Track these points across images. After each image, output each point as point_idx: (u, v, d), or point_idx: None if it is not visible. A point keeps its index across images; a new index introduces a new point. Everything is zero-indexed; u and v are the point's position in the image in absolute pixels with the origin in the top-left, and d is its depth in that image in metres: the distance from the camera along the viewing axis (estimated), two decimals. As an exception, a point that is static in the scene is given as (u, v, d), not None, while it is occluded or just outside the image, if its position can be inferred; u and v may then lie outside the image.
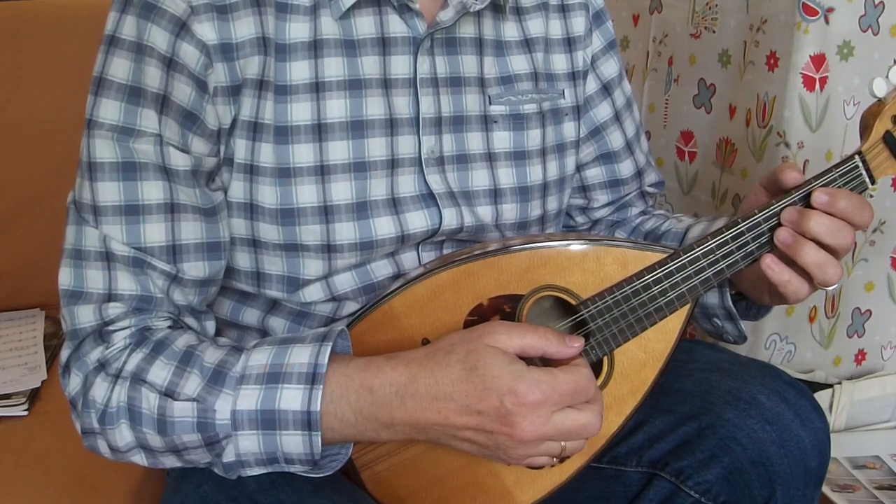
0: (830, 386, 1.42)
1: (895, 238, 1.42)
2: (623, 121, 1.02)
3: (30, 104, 1.41)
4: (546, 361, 0.74)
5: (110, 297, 0.76)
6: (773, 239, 0.83)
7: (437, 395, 0.70)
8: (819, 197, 0.81)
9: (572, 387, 0.70)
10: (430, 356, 0.72)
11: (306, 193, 0.80)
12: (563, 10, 0.95)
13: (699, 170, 1.55)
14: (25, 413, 1.16)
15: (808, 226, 0.80)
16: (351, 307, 0.85)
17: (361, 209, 0.81)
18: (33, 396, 1.19)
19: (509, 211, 0.89)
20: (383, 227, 0.82)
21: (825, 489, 1.29)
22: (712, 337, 0.98)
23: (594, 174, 1.02)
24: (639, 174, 1.05)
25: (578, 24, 0.95)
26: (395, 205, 0.83)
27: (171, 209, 0.77)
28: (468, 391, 0.69)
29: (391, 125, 0.83)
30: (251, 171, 0.79)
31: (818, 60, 1.27)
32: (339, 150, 0.80)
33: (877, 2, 1.28)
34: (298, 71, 0.79)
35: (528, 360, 0.72)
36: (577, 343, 0.73)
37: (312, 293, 0.84)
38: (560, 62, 0.94)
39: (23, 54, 1.41)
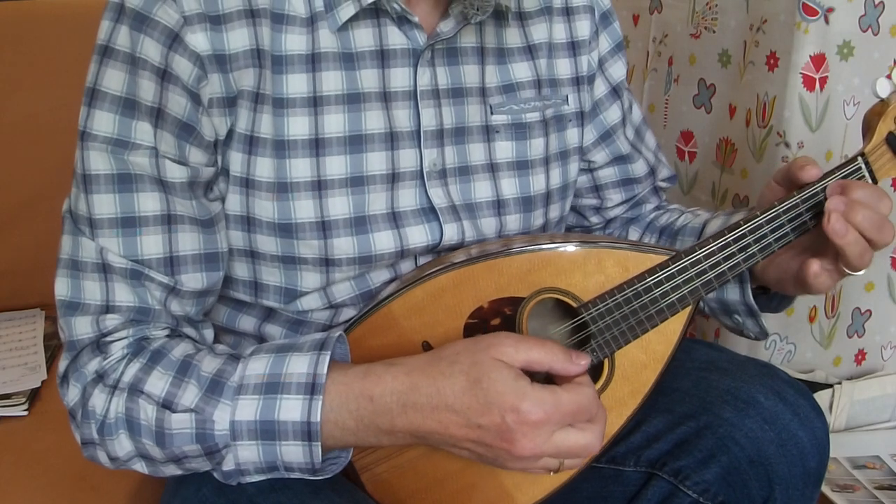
0: (830, 386, 1.42)
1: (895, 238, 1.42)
2: (625, 123, 1.01)
3: (30, 104, 1.40)
4: (550, 374, 0.74)
5: (107, 308, 0.76)
6: (775, 241, 0.83)
7: (438, 406, 0.70)
8: (833, 188, 0.81)
9: (575, 407, 0.70)
10: (432, 364, 0.71)
11: (304, 209, 0.79)
12: (568, 13, 0.94)
13: (699, 170, 1.55)
14: (25, 413, 1.15)
15: (855, 217, 0.79)
16: (349, 313, 0.85)
17: (360, 224, 0.81)
18: (33, 396, 1.18)
19: (513, 222, 0.89)
20: (382, 241, 0.82)
21: (825, 489, 1.29)
22: (734, 333, 0.98)
23: (607, 174, 1.02)
24: (652, 172, 1.05)
25: (583, 27, 0.94)
26: (394, 219, 0.82)
27: (168, 221, 0.76)
28: (470, 404, 0.69)
29: (391, 139, 0.82)
30: (247, 184, 0.79)
31: (818, 60, 1.27)
32: (336, 165, 0.79)
33: (877, 2, 1.28)
34: (296, 84, 0.78)
35: (532, 373, 0.72)
36: (584, 361, 0.72)
37: (310, 302, 0.83)
38: (564, 67, 0.93)
39: (23, 54, 1.40)
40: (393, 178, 0.82)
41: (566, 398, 0.69)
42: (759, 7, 1.35)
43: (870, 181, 0.84)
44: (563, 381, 0.72)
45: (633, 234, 1.05)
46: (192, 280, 0.78)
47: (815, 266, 0.81)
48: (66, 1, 1.47)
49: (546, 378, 0.73)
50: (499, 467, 0.73)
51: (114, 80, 0.74)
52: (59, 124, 1.33)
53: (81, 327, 0.76)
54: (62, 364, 0.78)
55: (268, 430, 0.72)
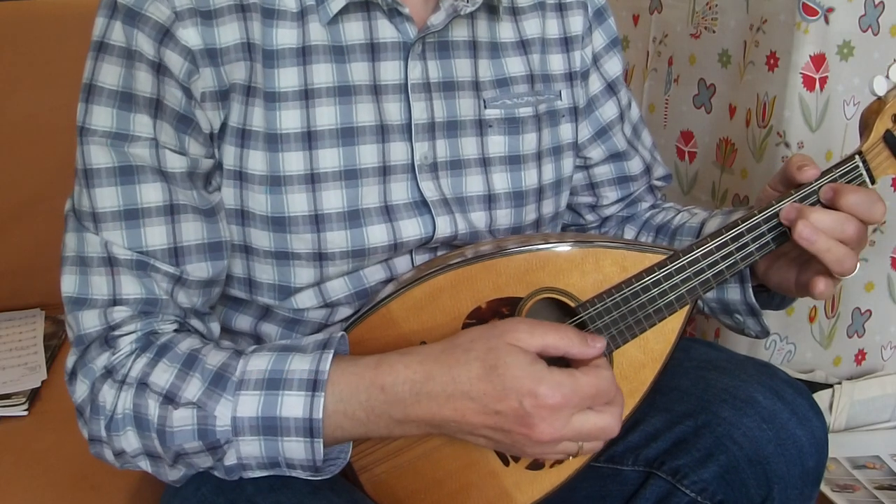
0: (830, 386, 1.42)
1: (895, 238, 1.42)
2: (623, 120, 1.01)
3: (30, 104, 1.41)
4: (564, 359, 0.73)
5: (115, 301, 0.76)
6: (773, 240, 0.83)
7: (454, 393, 0.69)
8: (825, 193, 0.81)
9: (593, 390, 0.69)
10: (447, 352, 0.71)
11: (297, 202, 0.79)
12: (561, 8, 0.94)
13: (699, 170, 1.55)
14: (25, 413, 1.16)
15: (819, 224, 0.79)
16: (344, 312, 0.85)
17: (353, 217, 0.81)
18: (33, 396, 1.19)
19: (503, 216, 0.89)
20: (376, 235, 0.82)
21: (825, 489, 1.29)
22: (734, 332, 0.97)
23: (603, 171, 1.02)
24: (647, 170, 1.05)
25: (576, 23, 0.94)
26: (387, 212, 0.83)
27: (171, 211, 0.77)
28: (487, 390, 0.68)
29: (382, 132, 0.82)
30: (241, 177, 0.79)
31: (818, 60, 1.27)
32: (329, 158, 0.80)
33: (877, 2, 1.27)
34: (287, 78, 0.78)
35: (547, 358, 0.71)
36: (599, 343, 0.72)
37: (305, 300, 0.83)
38: (557, 62, 0.93)
39: (23, 54, 1.41)
40: (384, 171, 0.82)
41: (584, 381, 0.69)
42: (759, 7, 1.35)
43: (867, 180, 0.84)
44: (580, 365, 0.72)
45: (629, 233, 1.05)
46: (198, 269, 0.78)
47: (821, 285, 0.81)
48: (66, 1, 1.47)
49: (561, 362, 0.72)
50: (517, 454, 0.72)
51: (110, 74, 0.75)
52: (59, 124, 1.32)
53: (89, 321, 0.76)
54: (70, 360, 0.78)
55: (269, 426, 0.72)
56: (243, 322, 0.87)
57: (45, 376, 1.23)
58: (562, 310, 0.84)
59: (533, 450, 0.71)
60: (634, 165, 1.03)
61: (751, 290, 0.91)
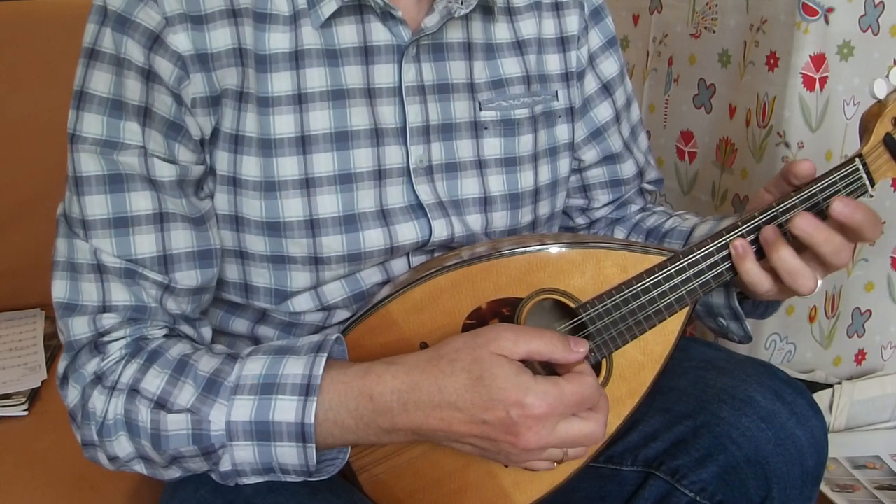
0: (830, 386, 1.42)
1: (895, 238, 1.42)
2: (621, 121, 1.01)
3: (30, 104, 1.41)
4: (547, 364, 0.74)
5: (105, 308, 0.76)
6: None
7: (440, 404, 0.70)
8: (841, 207, 0.79)
9: (578, 397, 0.70)
10: (433, 362, 0.71)
11: (292, 207, 0.79)
12: (557, 8, 0.94)
13: (699, 170, 1.55)
14: (25, 413, 1.16)
15: (813, 242, 0.79)
16: (342, 315, 0.85)
17: (349, 221, 0.81)
18: (33, 396, 1.19)
19: (499, 219, 0.89)
20: (372, 239, 0.82)
21: (825, 489, 1.29)
22: (718, 336, 0.98)
23: (595, 174, 1.01)
24: (640, 173, 1.05)
25: (572, 22, 0.94)
26: (383, 216, 0.82)
27: (160, 219, 0.77)
28: (474, 401, 0.69)
29: (376, 135, 0.82)
30: (234, 183, 0.79)
31: (818, 60, 1.27)
32: (323, 163, 0.80)
33: (877, 2, 1.27)
34: (280, 82, 0.78)
35: (530, 364, 0.72)
36: (583, 348, 0.72)
37: (301, 303, 0.83)
38: (553, 63, 0.93)
39: (23, 54, 1.41)
40: (380, 175, 0.82)
41: (569, 389, 0.70)
42: (759, 7, 1.35)
43: (867, 182, 0.84)
44: (564, 370, 0.72)
45: (619, 235, 1.05)
46: (187, 277, 0.78)
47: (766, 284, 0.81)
48: (66, 1, 1.47)
49: (544, 365, 0.73)
50: (502, 461, 0.73)
51: (101, 82, 0.75)
52: (59, 124, 1.31)
53: (79, 327, 0.76)
54: (61, 365, 0.78)
55: (262, 431, 0.72)
56: (240, 325, 0.87)
57: (45, 376, 1.23)
58: (562, 311, 0.84)
59: (518, 457, 0.71)
60: (627, 168, 1.02)
61: (734, 294, 0.91)
